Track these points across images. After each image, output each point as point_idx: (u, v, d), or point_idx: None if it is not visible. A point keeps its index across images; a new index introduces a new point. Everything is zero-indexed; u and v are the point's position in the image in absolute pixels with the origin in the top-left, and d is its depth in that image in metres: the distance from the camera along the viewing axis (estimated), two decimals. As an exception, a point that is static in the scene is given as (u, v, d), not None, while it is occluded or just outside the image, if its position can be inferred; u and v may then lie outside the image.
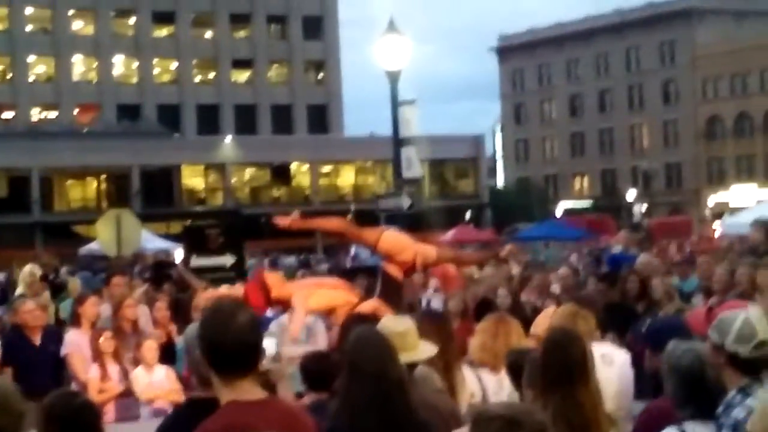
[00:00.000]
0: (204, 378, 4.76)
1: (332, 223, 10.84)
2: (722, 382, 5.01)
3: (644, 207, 79.94)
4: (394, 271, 9.89)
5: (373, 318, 8.33)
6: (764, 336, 4.90)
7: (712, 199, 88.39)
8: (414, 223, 24.68)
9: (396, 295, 9.80)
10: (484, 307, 11.28)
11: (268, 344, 8.82)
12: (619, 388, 6.86)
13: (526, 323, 7.56)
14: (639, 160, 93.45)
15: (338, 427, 5.12)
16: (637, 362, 8.41)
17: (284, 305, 10.09)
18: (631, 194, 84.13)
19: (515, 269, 19.55)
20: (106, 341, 10.53)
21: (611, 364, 6.86)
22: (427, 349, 6.03)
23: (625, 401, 6.88)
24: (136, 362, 10.69)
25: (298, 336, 9.91)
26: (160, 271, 21.92)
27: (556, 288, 14.21)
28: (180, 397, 10.16)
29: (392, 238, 10.10)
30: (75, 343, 10.78)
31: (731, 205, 74.63)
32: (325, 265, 35.71)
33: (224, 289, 11.13)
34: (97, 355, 10.48)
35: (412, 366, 5.90)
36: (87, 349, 10.64)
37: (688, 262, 17.71)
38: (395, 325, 6.01)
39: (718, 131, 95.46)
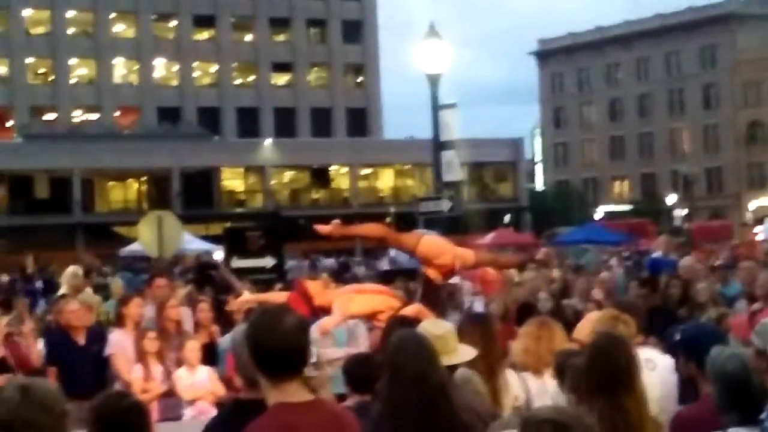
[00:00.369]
0: (250, 379, 4.81)
1: (372, 229, 10.88)
2: (767, 388, 4.99)
3: (684, 211, 79.47)
4: (434, 274, 9.91)
5: (415, 321, 8.36)
6: (805, 341, 4.88)
7: (753, 204, 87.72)
8: (453, 226, 24.69)
9: (437, 299, 9.82)
10: (525, 310, 11.26)
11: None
12: (663, 393, 6.85)
13: (568, 327, 7.56)
14: (679, 165, 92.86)
15: (380, 430, 5.13)
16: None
17: (328, 312, 10.13)
18: (671, 199, 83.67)
19: (555, 273, 19.52)
20: (149, 341, 10.59)
21: (654, 369, 6.85)
22: (466, 352, 6.05)
23: (669, 405, 6.86)
24: (179, 363, 10.74)
25: (330, 330, 9.94)
26: (202, 272, 22.04)
27: (597, 293, 14.16)
28: (222, 398, 10.23)
29: (431, 243, 10.12)
30: (119, 343, 10.85)
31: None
32: (363, 268, 35.79)
33: (266, 295, 11.18)
34: (141, 356, 10.54)
35: (451, 369, 5.93)
36: (131, 350, 10.69)
37: (729, 266, 17.61)
38: (434, 328, 6.05)
39: (759, 136, 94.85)
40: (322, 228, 10.21)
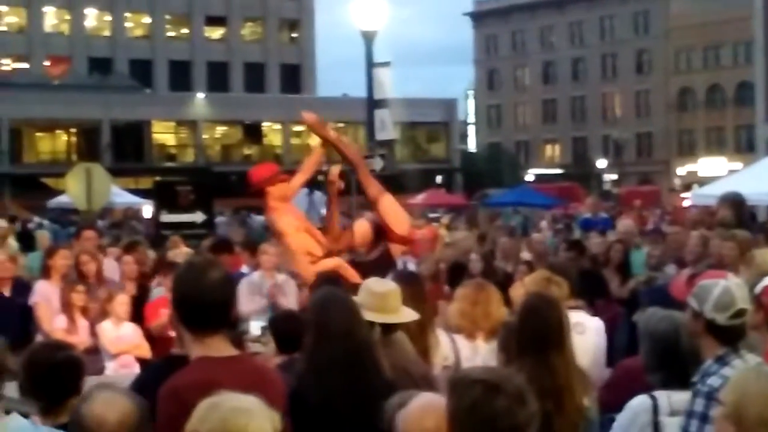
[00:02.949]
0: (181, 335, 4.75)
1: (351, 150, 10.68)
2: (697, 352, 5.01)
3: (614, 176, 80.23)
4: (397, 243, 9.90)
5: (338, 279, 8.29)
6: (743, 305, 4.90)
7: (682, 170, 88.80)
8: (385, 185, 24.64)
9: (377, 264, 9.61)
10: (456, 271, 11.23)
11: (254, 327, 8.80)
12: (592, 357, 6.88)
13: (498, 288, 7.53)
14: (610, 130, 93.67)
15: (305, 387, 5.12)
16: (610, 329, 8.44)
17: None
18: (601, 163, 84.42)
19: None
20: (77, 295, 10.43)
21: (583, 333, 6.86)
22: (407, 313, 6.01)
23: (597, 369, 6.90)
24: (103, 316, 10.58)
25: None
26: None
27: (526, 254, 14.17)
28: (147, 354, 10.11)
29: (392, 203, 10.05)
30: (43, 293, 10.69)
31: (700, 176, 75.01)
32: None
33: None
34: (67, 308, 10.39)
35: (388, 328, 5.89)
36: (56, 301, 10.54)
37: (658, 231, 17.76)
38: (377, 286, 6.01)
39: (689, 103, 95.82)
40: (307, 115, 10.08)
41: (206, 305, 4.43)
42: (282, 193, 9.68)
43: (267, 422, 3.44)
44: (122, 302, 10.53)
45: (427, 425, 3.45)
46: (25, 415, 4.53)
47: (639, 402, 5.38)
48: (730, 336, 4.85)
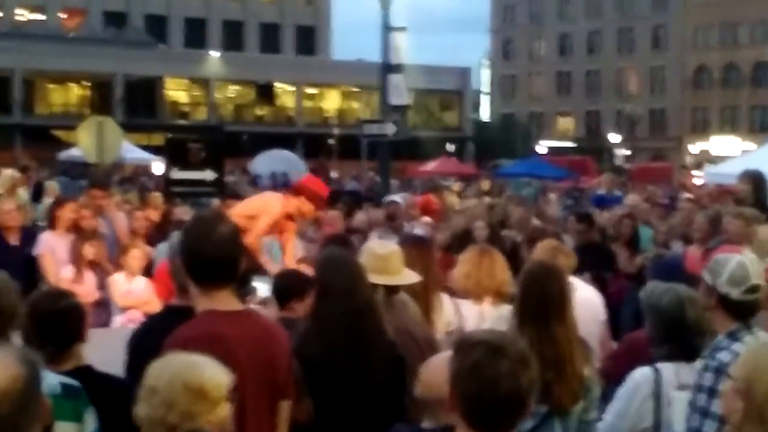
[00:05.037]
0: (182, 286, 4.77)
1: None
2: (702, 326, 5.00)
3: (626, 151, 80.00)
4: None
5: (346, 240, 8.33)
6: (757, 280, 4.87)
7: (695, 148, 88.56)
8: (397, 151, 24.62)
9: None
10: (463, 237, 11.21)
11: (261, 287, 8.77)
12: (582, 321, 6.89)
13: (506, 257, 7.52)
14: (624, 104, 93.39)
15: (307, 344, 5.15)
16: (617, 303, 8.46)
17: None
18: (614, 137, 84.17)
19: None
20: (89, 249, 10.42)
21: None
22: (409, 275, 6.03)
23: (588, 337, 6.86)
24: (115, 270, 10.57)
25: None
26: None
27: (536, 224, 14.11)
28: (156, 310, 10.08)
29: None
30: (49, 244, 10.68)
31: (713, 154, 74.80)
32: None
33: None
34: (76, 260, 10.38)
35: (392, 290, 5.91)
36: (62, 252, 10.53)
37: (669, 208, 17.73)
38: (379, 247, 6.04)
39: (704, 80, 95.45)
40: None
41: (215, 259, 4.45)
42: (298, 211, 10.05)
43: (221, 374, 3.61)
44: (136, 256, 10.51)
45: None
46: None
47: (641, 373, 5.39)
48: (742, 311, 4.84)
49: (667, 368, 5.35)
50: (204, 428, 3.55)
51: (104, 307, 10.22)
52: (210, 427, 3.57)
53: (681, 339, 5.30)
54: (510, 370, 3.25)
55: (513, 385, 3.24)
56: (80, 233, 10.78)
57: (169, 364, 3.63)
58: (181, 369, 3.58)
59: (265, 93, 79.77)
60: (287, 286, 6.58)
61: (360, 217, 14.74)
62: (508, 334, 3.53)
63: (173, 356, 3.69)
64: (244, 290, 9.39)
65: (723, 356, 4.71)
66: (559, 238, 9.52)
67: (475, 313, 6.86)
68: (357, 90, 79.44)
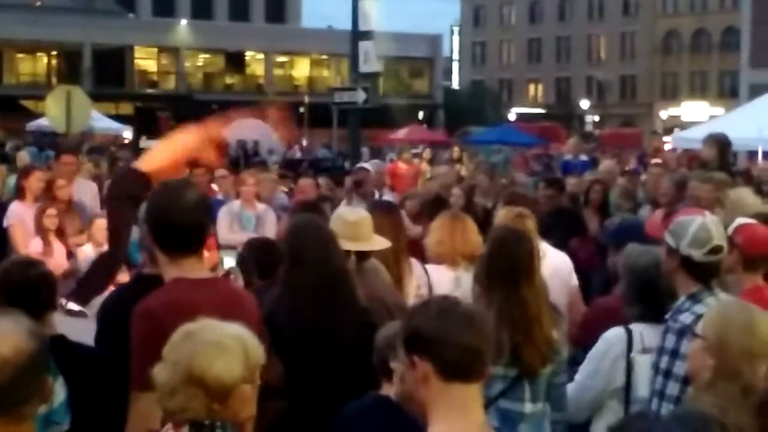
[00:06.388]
0: (153, 254, 4.73)
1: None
2: (675, 289, 5.04)
3: (596, 117, 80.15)
4: None
5: (318, 207, 8.30)
6: (719, 241, 4.89)
7: (665, 114, 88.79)
8: (367, 118, 24.57)
9: None
10: (436, 204, 11.21)
11: (227, 261, 8.73)
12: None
13: (478, 225, 7.55)
14: (594, 71, 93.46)
15: (278, 312, 5.13)
16: (587, 268, 8.49)
17: None
18: (584, 104, 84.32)
19: (464, 171, 19.59)
20: (48, 219, 10.34)
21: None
22: (380, 241, 6.04)
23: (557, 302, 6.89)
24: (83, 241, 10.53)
25: None
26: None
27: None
28: (125, 280, 10.06)
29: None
30: (18, 215, 10.64)
31: (683, 120, 75.01)
32: (276, 157, 35.61)
33: None
34: (41, 231, 10.34)
35: (362, 256, 5.92)
36: (30, 222, 10.49)
37: (638, 173, 17.78)
38: (349, 214, 6.05)
39: (674, 46, 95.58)
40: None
41: (182, 226, 4.41)
42: None
43: (237, 363, 3.35)
44: (101, 227, 10.47)
45: None
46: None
47: (614, 333, 5.43)
48: (704, 273, 4.85)
49: (636, 330, 5.39)
50: (203, 419, 3.33)
51: (73, 277, 10.18)
52: (215, 416, 3.34)
53: (653, 300, 5.33)
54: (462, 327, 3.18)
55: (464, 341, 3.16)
56: (53, 203, 10.73)
57: (189, 339, 3.36)
58: (196, 350, 3.32)
59: (235, 61, 79.38)
60: (261, 258, 6.54)
61: (323, 182, 14.48)
62: (465, 303, 3.47)
63: (201, 329, 3.40)
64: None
65: (684, 318, 4.74)
66: (537, 204, 9.57)
67: (451, 279, 6.90)
68: (327, 57, 79.18)
